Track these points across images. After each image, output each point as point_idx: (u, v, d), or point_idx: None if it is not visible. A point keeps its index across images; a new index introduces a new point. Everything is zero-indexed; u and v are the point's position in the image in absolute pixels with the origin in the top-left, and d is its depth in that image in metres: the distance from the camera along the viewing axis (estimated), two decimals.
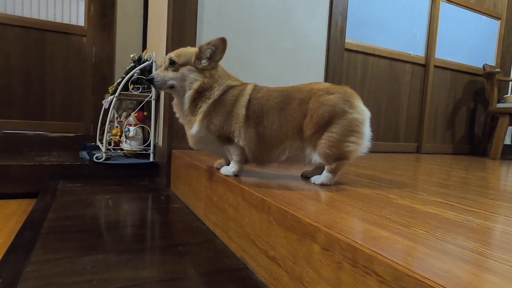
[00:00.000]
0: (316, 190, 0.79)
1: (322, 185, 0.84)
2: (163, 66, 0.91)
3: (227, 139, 0.89)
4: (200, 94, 0.88)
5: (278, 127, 0.84)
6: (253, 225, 0.71)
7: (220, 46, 0.89)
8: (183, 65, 0.89)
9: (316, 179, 0.86)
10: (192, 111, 0.89)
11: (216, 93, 0.88)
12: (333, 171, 0.83)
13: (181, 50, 0.92)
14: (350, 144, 0.81)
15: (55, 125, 2.13)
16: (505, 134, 2.33)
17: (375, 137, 2.28)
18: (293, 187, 0.81)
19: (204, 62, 0.89)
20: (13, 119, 2.03)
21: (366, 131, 0.83)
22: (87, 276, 0.63)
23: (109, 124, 1.59)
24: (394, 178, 1.08)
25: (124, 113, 1.84)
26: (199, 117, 0.88)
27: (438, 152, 2.62)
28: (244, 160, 0.91)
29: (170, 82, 0.89)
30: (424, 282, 0.35)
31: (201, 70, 0.89)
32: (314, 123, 0.80)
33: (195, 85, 0.88)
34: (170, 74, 0.89)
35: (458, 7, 2.57)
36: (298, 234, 0.56)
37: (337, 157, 0.81)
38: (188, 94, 0.88)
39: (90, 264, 0.68)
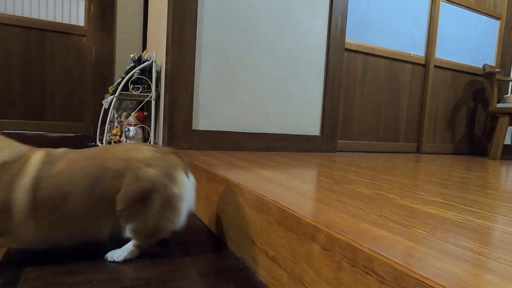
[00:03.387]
0: (316, 190, 0.79)
1: (124, 260, 0.71)
2: None
3: None
4: None
5: (88, 208, 0.67)
6: (253, 225, 0.71)
7: None
8: None
9: (116, 254, 0.71)
10: None
11: None
12: (139, 247, 0.73)
13: None
14: (165, 221, 0.71)
15: (55, 125, 2.13)
16: (505, 134, 2.33)
17: (375, 137, 2.29)
18: (293, 187, 0.81)
19: None
20: (13, 119, 2.03)
21: (184, 207, 0.73)
22: (87, 276, 0.63)
23: (109, 124, 1.59)
24: (394, 178, 1.08)
25: (124, 113, 1.84)
26: None
27: (438, 152, 2.62)
28: None
29: None
30: (424, 282, 0.35)
31: None
32: (128, 199, 0.67)
33: None
34: None
35: (458, 7, 2.57)
36: (298, 234, 0.56)
37: (150, 234, 0.71)
38: None
39: (90, 264, 0.68)
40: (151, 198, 0.69)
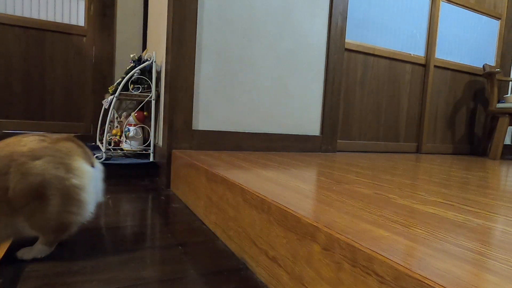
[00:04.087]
0: (316, 190, 0.79)
1: (34, 258, 0.68)
2: None
3: None
4: None
5: None
6: (253, 225, 0.71)
7: None
8: None
9: (26, 253, 0.68)
10: None
11: None
12: (49, 243, 0.69)
13: None
14: (69, 215, 0.67)
15: (55, 125, 2.13)
16: (505, 134, 2.33)
17: (375, 137, 2.29)
18: (293, 187, 0.80)
19: None
20: (13, 119, 2.03)
21: (87, 197, 0.69)
22: (87, 276, 0.63)
23: (109, 124, 1.59)
24: (394, 178, 1.08)
25: (124, 113, 1.84)
26: None
27: (438, 152, 2.62)
28: None
29: None
30: (424, 282, 0.35)
31: None
32: (19, 197, 0.63)
33: None
34: None
35: (458, 7, 2.57)
36: (298, 234, 0.56)
37: (55, 230, 0.67)
38: None
39: (90, 264, 0.68)
40: (45, 193, 0.64)
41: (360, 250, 0.44)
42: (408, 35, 2.37)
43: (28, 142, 0.66)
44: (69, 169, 0.67)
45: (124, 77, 1.61)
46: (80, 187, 0.67)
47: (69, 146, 0.69)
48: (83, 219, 0.70)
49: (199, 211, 1.07)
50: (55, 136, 0.70)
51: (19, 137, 0.68)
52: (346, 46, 2.05)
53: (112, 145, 1.77)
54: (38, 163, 0.64)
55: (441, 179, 1.14)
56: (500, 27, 2.80)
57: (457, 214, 0.64)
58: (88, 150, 0.74)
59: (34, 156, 0.64)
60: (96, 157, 1.56)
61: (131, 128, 1.68)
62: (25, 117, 2.06)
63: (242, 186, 0.78)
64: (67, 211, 0.66)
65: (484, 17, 2.71)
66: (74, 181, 0.66)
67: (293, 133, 1.81)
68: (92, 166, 0.73)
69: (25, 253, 0.68)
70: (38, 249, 0.69)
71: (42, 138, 0.68)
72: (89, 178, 0.69)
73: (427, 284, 0.35)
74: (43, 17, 2.07)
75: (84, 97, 2.19)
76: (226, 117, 1.61)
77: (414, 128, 2.49)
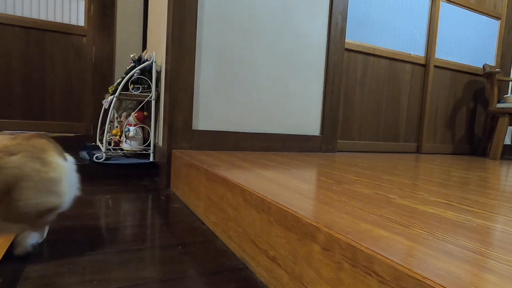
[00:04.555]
0: (316, 191, 0.79)
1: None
2: None
3: None
4: None
5: None
6: (253, 225, 0.71)
7: None
8: None
9: (20, 246, 0.70)
10: None
11: None
12: (37, 228, 0.73)
13: None
14: (49, 204, 0.69)
15: (55, 125, 2.13)
16: (505, 134, 2.33)
17: (375, 137, 2.29)
18: (293, 187, 0.80)
19: None
20: (13, 119, 2.03)
21: (64, 189, 0.72)
22: (87, 276, 0.63)
23: (109, 124, 1.59)
24: (394, 178, 1.08)
25: (124, 113, 1.84)
26: None
27: (438, 152, 2.62)
28: None
29: None
30: (424, 282, 0.35)
31: None
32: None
33: None
34: None
35: (458, 7, 2.57)
36: (298, 234, 0.56)
37: (36, 218, 0.69)
38: None
39: (90, 264, 0.68)
40: (27, 186, 0.66)
41: (360, 250, 0.44)
42: (408, 35, 2.37)
43: (2, 140, 0.68)
44: (45, 163, 0.69)
45: (124, 77, 1.61)
46: (57, 180, 0.70)
47: (42, 142, 0.72)
48: (62, 209, 0.73)
49: (199, 211, 1.07)
50: (26, 134, 0.73)
51: None
52: (346, 46, 2.05)
53: (112, 145, 1.77)
54: (14, 158, 0.66)
55: (441, 179, 1.14)
56: (500, 27, 2.80)
57: (457, 214, 0.64)
58: (59, 146, 0.77)
59: (10, 152, 0.66)
60: (96, 157, 1.56)
61: (131, 128, 1.68)
62: (25, 117, 2.06)
63: (242, 186, 0.78)
64: (45, 202, 0.69)
65: (484, 17, 2.71)
66: (52, 174, 0.69)
67: (293, 133, 1.81)
68: (65, 160, 0.75)
69: (19, 246, 0.70)
70: (29, 237, 0.70)
71: (13, 136, 0.71)
72: (65, 172, 0.72)
73: (427, 284, 0.35)
74: (43, 17, 2.07)
75: (84, 97, 2.19)
76: (226, 117, 1.61)
77: (414, 128, 2.49)
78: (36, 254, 0.71)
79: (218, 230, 0.91)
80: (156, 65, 1.67)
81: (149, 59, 1.65)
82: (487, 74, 2.51)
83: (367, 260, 0.42)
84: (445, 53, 2.55)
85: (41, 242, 0.78)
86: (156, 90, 1.64)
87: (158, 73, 1.67)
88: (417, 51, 2.42)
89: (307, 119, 1.85)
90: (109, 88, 1.72)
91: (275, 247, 0.63)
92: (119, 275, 0.64)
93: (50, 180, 0.69)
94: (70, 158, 0.78)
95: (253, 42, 1.65)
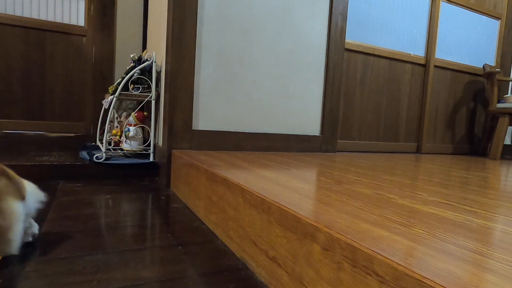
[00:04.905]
0: (316, 190, 0.79)
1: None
2: None
3: None
4: None
5: None
6: (253, 225, 0.71)
7: None
8: None
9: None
10: None
11: None
12: None
13: None
14: None
15: (55, 125, 2.13)
16: (505, 134, 2.33)
17: (375, 137, 2.29)
18: (293, 187, 0.80)
19: None
20: (13, 119, 2.03)
21: (13, 236, 0.68)
22: (87, 276, 0.63)
23: (109, 124, 1.59)
24: (394, 178, 1.08)
25: (124, 113, 1.84)
26: None
27: (438, 152, 2.62)
28: None
29: None
30: (424, 282, 0.35)
31: None
32: None
33: None
34: None
35: (458, 7, 2.57)
36: (298, 234, 0.56)
37: None
38: None
39: (90, 264, 0.68)
40: None
41: (360, 250, 0.44)
42: (408, 35, 2.37)
43: None
44: None
45: (124, 77, 1.61)
46: (7, 228, 0.67)
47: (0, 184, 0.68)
48: (10, 253, 0.70)
49: (199, 211, 1.07)
50: None
51: None
52: (346, 46, 2.05)
53: (112, 145, 1.77)
54: None
55: (441, 179, 1.14)
56: (500, 27, 2.80)
57: (457, 214, 0.64)
58: (18, 181, 0.73)
59: None
60: (96, 157, 1.56)
61: (131, 128, 1.68)
62: (25, 117, 2.06)
63: (242, 186, 0.78)
64: None
65: (484, 17, 2.71)
66: (1, 222, 0.66)
67: (293, 133, 1.81)
68: (22, 199, 0.72)
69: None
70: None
71: None
72: (16, 218, 0.69)
73: (427, 284, 0.35)
74: (43, 17, 2.07)
75: (84, 97, 2.19)
76: (226, 117, 1.61)
77: (414, 128, 2.49)
78: (36, 254, 0.71)
79: (218, 230, 0.91)
80: (156, 65, 1.67)
81: (149, 59, 1.65)
82: (487, 74, 2.51)
83: (367, 260, 0.42)
84: (445, 53, 2.55)
85: (41, 242, 0.78)
86: (156, 90, 1.64)
87: (158, 73, 1.67)
88: (417, 51, 2.42)
89: (307, 119, 1.85)
90: (109, 88, 1.72)
91: (275, 247, 0.63)
92: (119, 275, 0.64)
93: (0, 227, 0.66)
94: (30, 189, 0.74)
95: (253, 42, 1.65)
